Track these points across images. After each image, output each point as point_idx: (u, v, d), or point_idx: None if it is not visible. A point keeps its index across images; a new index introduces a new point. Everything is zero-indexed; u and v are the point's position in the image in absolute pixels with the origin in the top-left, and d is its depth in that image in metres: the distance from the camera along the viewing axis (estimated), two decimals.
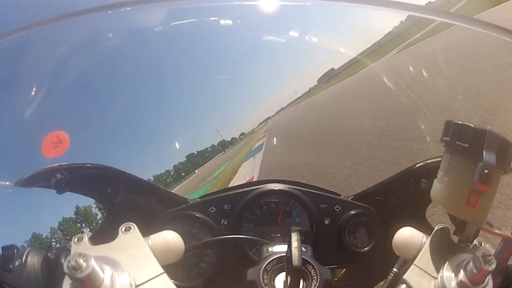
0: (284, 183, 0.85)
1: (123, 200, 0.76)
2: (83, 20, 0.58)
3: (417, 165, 0.76)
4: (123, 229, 0.42)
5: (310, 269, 0.43)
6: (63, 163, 0.68)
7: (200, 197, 0.87)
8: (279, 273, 0.45)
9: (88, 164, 0.73)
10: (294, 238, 0.42)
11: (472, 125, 0.39)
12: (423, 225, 0.76)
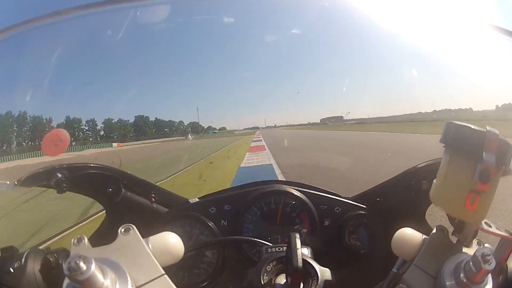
0: (285, 184, 0.85)
1: (124, 200, 0.76)
2: (85, 16, 0.57)
3: (418, 166, 0.76)
4: (123, 230, 0.42)
5: (310, 270, 0.43)
6: (64, 163, 0.68)
7: (200, 198, 0.87)
8: (279, 274, 0.45)
9: (89, 164, 0.72)
10: (294, 239, 0.43)
11: (472, 127, 0.39)
12: (423, 226, 0.76)
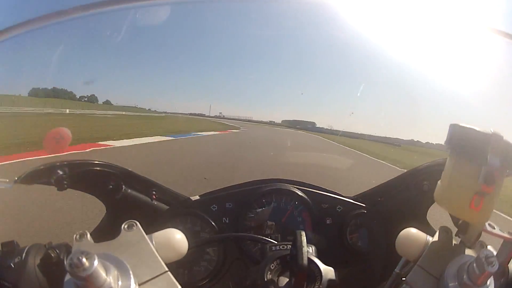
0: (286, 183, 0.85)
1: (124, 197, 0.76)
2: (86, 17, 0.57)
3: (419, 168, 0.76)
4: (126, 226, 0.41)
5: (314, 269, 0.43)
6: (64, 160, 0.67)
7: (201, 195, 0.86)
8: (283, 272, 0.45)
9: (90, 160, 0.71)
10: (300, 237, 0.42)
11: (476, 129, 0.39)
12: (424, 227, 0.76)
